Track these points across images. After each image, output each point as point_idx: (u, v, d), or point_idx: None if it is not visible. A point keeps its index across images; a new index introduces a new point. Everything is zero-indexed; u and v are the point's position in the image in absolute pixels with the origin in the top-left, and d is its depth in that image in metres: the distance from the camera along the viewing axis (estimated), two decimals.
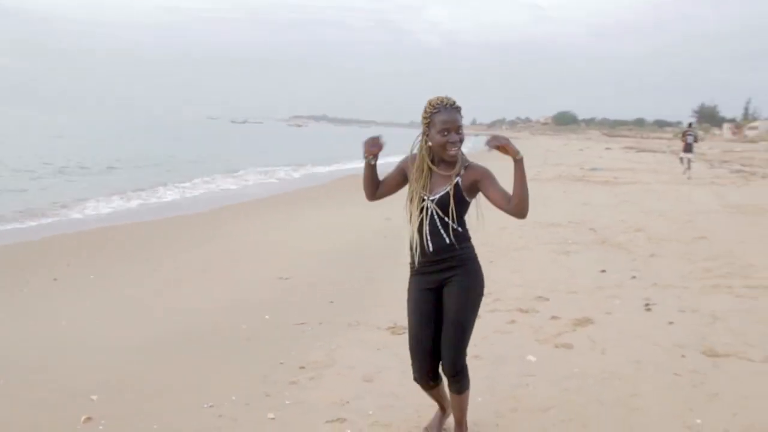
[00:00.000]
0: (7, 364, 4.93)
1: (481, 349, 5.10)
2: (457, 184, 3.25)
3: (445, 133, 3.16)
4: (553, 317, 5.91)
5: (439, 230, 3.27)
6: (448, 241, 3.27)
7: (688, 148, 22.38)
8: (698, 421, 3.77)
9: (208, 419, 4.03)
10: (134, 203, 15.71)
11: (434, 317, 3.39)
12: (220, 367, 4.96)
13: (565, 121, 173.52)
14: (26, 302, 6.77)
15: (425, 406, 4.00)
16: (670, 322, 5.66)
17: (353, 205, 15.06)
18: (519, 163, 3.07)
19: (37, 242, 10.19)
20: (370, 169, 3.41)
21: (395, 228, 11.69)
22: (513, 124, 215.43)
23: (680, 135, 24.61)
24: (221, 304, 6.69)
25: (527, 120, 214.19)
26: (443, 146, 3.18)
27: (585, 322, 5.74)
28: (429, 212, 3.27)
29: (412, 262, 3.41)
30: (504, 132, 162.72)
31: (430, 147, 3.26)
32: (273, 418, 4.00)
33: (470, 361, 4.78)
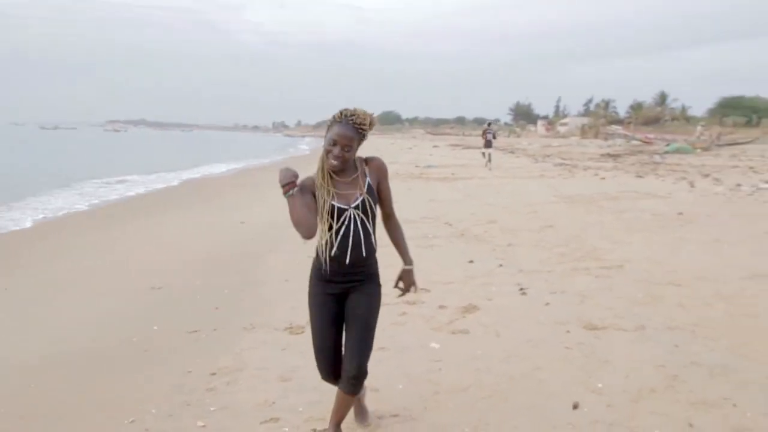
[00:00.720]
0: None
1: (384, 341, 5.31)
2: (369, 184, 3.34)
3: (333, 144, 3.20)
4: (441, 306, 6.25)
5: (360, 242, 3.31)
6: (365, 254, 3.36)
7: (488, 144, 25.61)
8: (599, 385, 4.23)
9: None
10: None
11: (338, 320, 3.47)
12: (125, 381, 4.81)
13: (389, 120, 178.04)
14: None
15: None
16: (547, 303, 6.19)
17: (206, 211, 14.89)
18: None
19: None
20: (294, 201, 3.19)
21: (252, 230, 11.73)
22: None
23: (481, 133, 27.44)
24: (99, 320, 6.43)
25: None
26: (327, 154, 3.23)
27: (471, 309, 6.13)
28: (351, 222, 3.29)
29: (323, 270, 3.38)
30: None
31: (322, 157, 3.30)
32: (204, 426, 3.97)
33: (377, 352, 5.02)
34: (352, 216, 3.28)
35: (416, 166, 27.11)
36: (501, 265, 7.96)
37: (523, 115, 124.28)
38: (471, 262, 8.22)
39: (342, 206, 3.27)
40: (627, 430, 3.61)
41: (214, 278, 8.12)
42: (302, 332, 5.61)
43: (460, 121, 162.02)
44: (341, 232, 3.28)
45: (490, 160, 25.01)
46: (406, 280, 3.58)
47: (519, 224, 11.02)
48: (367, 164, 3.39)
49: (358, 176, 3.34)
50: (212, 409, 4.19)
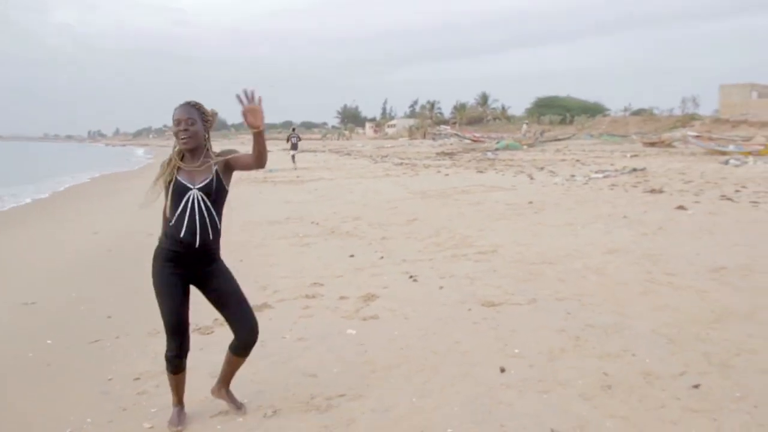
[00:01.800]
0: None
1: (298, 333, 5.50)
2: (216, 172, 3.63)
3: (178, 124, 3.58)
4: (341, 297, 6.50)
5: (206, 224, 3.60)
6: (211, 236, 3.65)
7: (294, 147, 29.01)
8: (516, 350, 4.69)
9: None
10: None
11: (186, 301, 3.76)
12: (42, 396, 4.62)
13: (215, 126, 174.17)
14: None
15: (286, 388, 4.33)
16: (441, 287, 6.62)
17: (55, 224, 14.13)
18: (260, 135, 3.47)
19: None
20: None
21: (109, 239, 11.35)
22: (161, 132, 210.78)
23: (286, 138, 32.41)
24: None
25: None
26: (176, 135, 3.59)
27: (372, 297, 6.43)
28: (194, 202, 3.57)
29: (168, 250, 3.65)
30: (151, 140, 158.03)
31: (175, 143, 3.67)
32: (152, 427, 3.97)
33: (296, 342, 5.23)
34: (194, 197, 3.57)
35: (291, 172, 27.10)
36: (382, 257, 8.32)
37: (351, 118, 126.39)
38: (352, 256, 8.52)
39: (187, 185, 3.58)
40: (555, 383, 4.07)
41: (90, 289, 7.86)
42: (210, 332, 5.66)
43: (287, 125, 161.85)
44: (184, 212, 3.58)
45: (295, 161, 28.19)
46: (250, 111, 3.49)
47: (384, 219, 11.47)
48: (218, 156, 3.67)
49: (209, 164, 3.63)
50: (153, 410, 4.18)
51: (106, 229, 12.75)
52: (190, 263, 3.66)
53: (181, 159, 3.65)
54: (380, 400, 3.99)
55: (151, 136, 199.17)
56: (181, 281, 3.69)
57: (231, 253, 8.71)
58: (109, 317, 6.50)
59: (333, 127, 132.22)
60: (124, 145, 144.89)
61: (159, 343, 5.49)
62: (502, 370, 4.32)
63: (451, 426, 3.57)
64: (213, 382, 4.49)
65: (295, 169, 26.78)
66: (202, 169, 3.62)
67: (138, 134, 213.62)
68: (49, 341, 5.91)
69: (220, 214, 3.70)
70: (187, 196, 3.57)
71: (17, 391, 4.79)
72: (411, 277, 7.14)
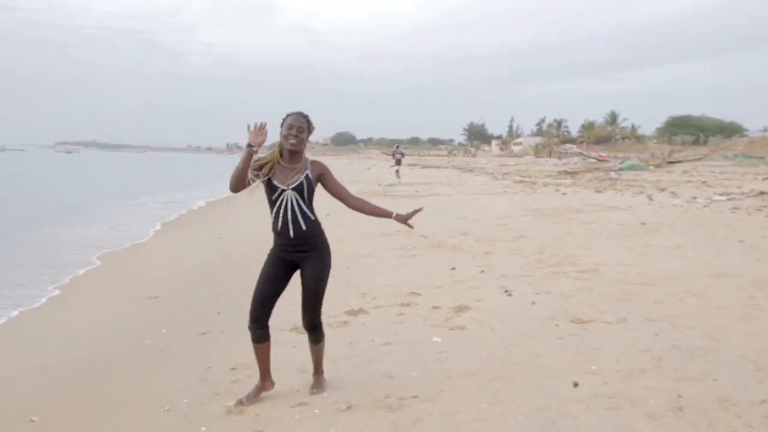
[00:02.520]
0: None
1: (388, 337, 5.73)
2: (308, 175, 4.22)
3: (290, 129, 4.17)
4: (434, 307, 6.67)
5: (297, 218, 4.19)
6: (304, 227, 4.22)
7: (398, 162, 31.21)
8: (594, 367, 4.69)
9: (174, 420, 4.27)
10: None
11: (278, 281, 4.33)
12: (149, 378, 5.14)
13: (344, 141, 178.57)
14: None
15: (364, 386, 4.56)
16: (533, 303, 6.66)
17: (189, 230, 15.29)
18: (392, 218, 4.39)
19: None
20: (249, 159, 4.07)
21: (230, 244, 12.12)
22: None
23: (391, 154, 33.95)
24: (106, 326, 6.84)
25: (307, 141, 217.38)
26: (286, 138, 4.17)
27: (464, 308, 6.56)
28: (288, 200, 4.17)
29: (276, 240, 4.29)
30: None
31: (280, 143, 4.24)
32: (233, 406, 4.34)
33: (382, 346, 5.44)
34: (287, 196, 4.17)
35: (378, 185, 27.65)
36: (483, 271, 8.42)
37: (477, 135, 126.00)
38: (453, 269, 8.66)
39: (281, 186, 4.16)
40: (625, 401, 4.06)
41: (205, 288, 8.49)
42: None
43: (414, 141, 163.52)
44: (281, 208, 4.18)
45: (398, 176, 30.09)
46: (403, 219, 4.41)
47: (492, 235, 11.52)
48: (311, 163, 4.30)
49: (299, 167, 4.23)
50: (241, 396, 4.53)
51: (230, 235, 13.63)
52: (288, 250, 4.28)
53: (281, 156, 4.25)
54: (450, 404, 4.13)
55: None
56: (281, 265, 4.32)
57: (341, 261, 9.19)
58: (219, 313, 7.02)
59: (459, 143, 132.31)
60: None
61: None
62: (576, 385, 4.34)
63: None
64: (301, 376, 4.82)
65: (399, 181, 28.65)
66: (296, 169, 4.22)
67: (271, 147, 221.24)
68: (164, 330, 6.52)
69: (311, 209, 4.27)
70: (281, 196, 4.18)
71: (129, 372, 5.35)
72: (506, 291, 7.20)
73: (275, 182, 4.18)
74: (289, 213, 4.18)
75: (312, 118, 4.34)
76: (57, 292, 8.83)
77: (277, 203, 4.19)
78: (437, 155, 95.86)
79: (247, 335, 4.44)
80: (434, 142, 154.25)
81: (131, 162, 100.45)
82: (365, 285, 7.95)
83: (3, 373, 5.43)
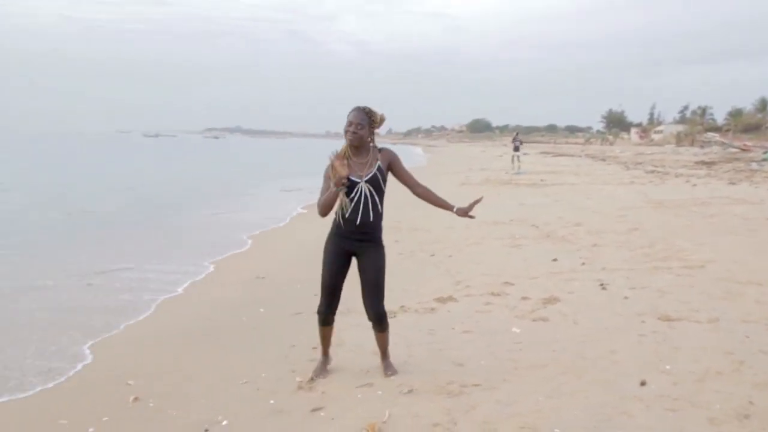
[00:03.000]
0: None
1: (469, 325, 5.80)
2: (379, 166, 4.39)
3: (350, 125, 4.33)
4: (524, 298, 6.65)
5: (368, 209, 4.35)
6: (371, 218, 4.38)
7: (516, 149, 30.38)
8: (668, 367, 4.55)
9: (248, 391, 4.58)
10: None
11: (341, 272, 4.57)
12: (237, 353, 5.51)
13: (479, 128, 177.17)
14: None
15: (431, 372, 4.66)
16: (626, 297, 6.49)
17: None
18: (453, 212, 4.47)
19: None
20: (336, 195, 4.29)
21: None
22: (429, 132, 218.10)
23: (511, 140, 32.66)
24: (212, 303, 7.29)
25: (442, 128, 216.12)
26: (346, 133, 4.35)
27: (552, 300, 6.50)
28: (362, 192, 4.33)
29: (338, 226, 4.44)
30: (420, 140, 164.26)
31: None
32: (301, 382, 4.63)
33: (461, 334, 5.51)
34: (362, 188, 4.34)
35: (506, 173, 27.34)
36: (584, 264, 8.25)
37: (616, 122, 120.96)
38: (555, 260, 8.55)
39: (355, 179, 4.32)
40: (689, 404, 3.92)
41: (309, 271, 8.80)
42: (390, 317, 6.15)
43: (551, 128, 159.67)
44: (355, 198, 4.34)
45: (519, 161, 29.72)
46: (464, 213, 4.50)
47: (605, 227, 11.21)
48: (380, 152, 4.46)
49: (368, 160, 4.40)
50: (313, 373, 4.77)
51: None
52: (350, 238, 4.44)
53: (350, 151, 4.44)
54: (508, 394, 4.17)
55: (420, 135, 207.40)
56: (342, 252, 4.52)
57: (445, 249, 9.31)
58: (315, 295, 7.22)
59: (597, 131, 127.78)
60: (394, 144, 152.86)
61: (345, 321, 6.16)
62: (643, 384, 4.24)
63: (559, 426, 3.66)
64: (373, 358, 4.99)
65: (518, 170, 28.16)
66: (367, 162, 4.41)
67: (408, 134, 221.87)
68: (261, 309, 6.93)
69: (381, 201, 4.44)
70: (356, 188, 4.35)
71: (222, 345, 5.76)
72: (601, 284, 7.05)
73: (351, 177, 4.33)
74: (361, 204, 4.35)
75: (382, 113, 4.49)
76: (212, 267, 9.42)
77: (351, 195, 4.34)
78: (574, 143, 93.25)
79: (338, 318, 4.77)
80: (571, 130, 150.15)
81: (273, 147, 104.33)
82: (463, 273, 8.02)
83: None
